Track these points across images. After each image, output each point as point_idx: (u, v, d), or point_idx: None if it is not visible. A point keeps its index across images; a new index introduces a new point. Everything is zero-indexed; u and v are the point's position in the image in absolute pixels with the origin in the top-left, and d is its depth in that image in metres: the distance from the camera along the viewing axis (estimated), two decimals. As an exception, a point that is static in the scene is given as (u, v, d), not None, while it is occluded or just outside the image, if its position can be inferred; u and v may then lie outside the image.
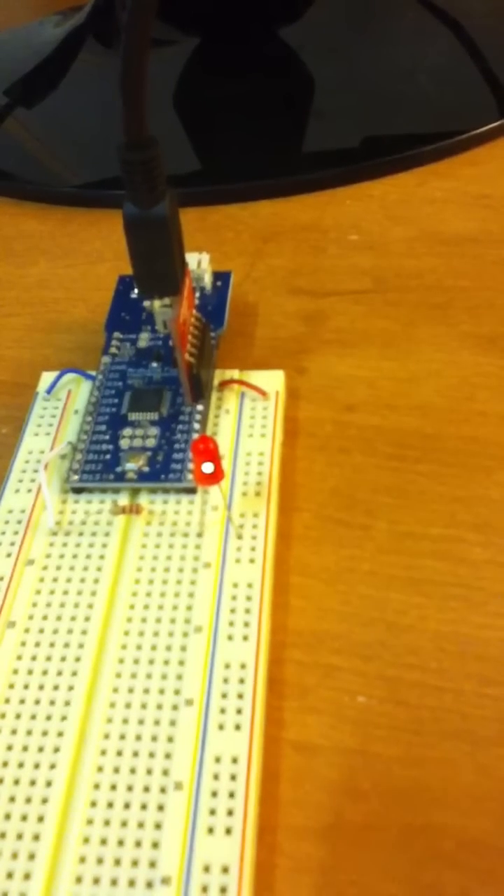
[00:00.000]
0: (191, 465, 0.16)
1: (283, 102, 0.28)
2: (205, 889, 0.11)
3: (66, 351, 0.21)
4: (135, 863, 0.12)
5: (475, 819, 0.12)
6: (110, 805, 0.12)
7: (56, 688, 0.14)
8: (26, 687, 0.14)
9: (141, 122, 0.13)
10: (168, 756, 0.13)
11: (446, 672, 0.14)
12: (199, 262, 0.20)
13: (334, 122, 0.27)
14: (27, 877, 0.12)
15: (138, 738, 0.13)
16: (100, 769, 0.13)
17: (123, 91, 0.13)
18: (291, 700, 0.14)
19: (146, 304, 0.20)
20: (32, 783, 0.13)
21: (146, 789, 0.12)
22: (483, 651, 0.14)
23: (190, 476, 0.16)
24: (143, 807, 0.12)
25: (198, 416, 0.17)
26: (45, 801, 0.12)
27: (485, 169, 0.26)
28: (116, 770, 0.13)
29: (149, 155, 0.14)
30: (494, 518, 0.16)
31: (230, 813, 0.12)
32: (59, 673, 0.14)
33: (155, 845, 0.12)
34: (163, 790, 0.12)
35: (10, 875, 0.12)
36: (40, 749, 0.13)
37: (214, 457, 0.15)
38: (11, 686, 0.14)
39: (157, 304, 0.17)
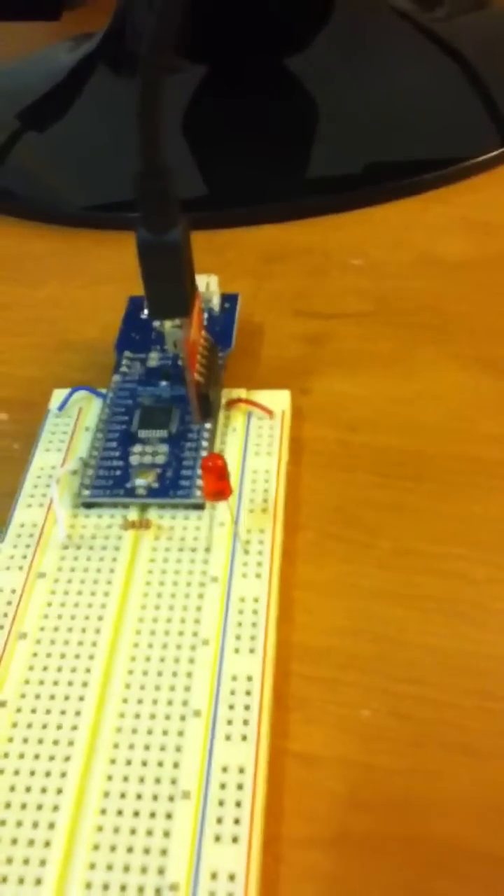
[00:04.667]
0: (199, 482, 0.17)
1: (287, 129, 0.29)
2: None
3: (77, 370, 0.21)
4: (143, 869, 0.12)
5: (476, 830, 0.13)
6: (120, 813, 0.13)
7: (66, 698, 0.14)
8: (37, 697, 0.14)
9: (157, 151, 0.14)
10: (176, 765, 0.13)
11: (447, 687, 0.14)
12: (207, 285, 0.20)
13: (337, 148, 0.28)
14: (38, 882, 0.12)
15: (147, 747, 0.13)
16: (109, 778, 0.13)
17: (140, 121, 0.14)
18: (296, 712, 0.14)
19: (156, 324, 0.20)
20: (43, 791, 0.13)
21: (155, 798, 0.13)
22: (483, 666, 0.15)
23: (198, 492, 0.16)
24: (152, 815, 0.12)
25: (206, 434, 0.18)
26: (55, 808, 0.13)
27: (485, 196, 0.26)
28: (126, 778, 0.13)
29: (164, 183, 0.14)
30: (494, 537, 0.16)
31: (237, 822, 0.12)
32: (70, 683, 0.14)
33: (163, 852, 0.12)
34: (171, 799, 0.13)
35: (21, 880, 0.12)
36: (51, 758, 0.13)
37: (223, 474, 0.15)
38: (23, 696, 0.14)
39: (167, 324, 0.17)
